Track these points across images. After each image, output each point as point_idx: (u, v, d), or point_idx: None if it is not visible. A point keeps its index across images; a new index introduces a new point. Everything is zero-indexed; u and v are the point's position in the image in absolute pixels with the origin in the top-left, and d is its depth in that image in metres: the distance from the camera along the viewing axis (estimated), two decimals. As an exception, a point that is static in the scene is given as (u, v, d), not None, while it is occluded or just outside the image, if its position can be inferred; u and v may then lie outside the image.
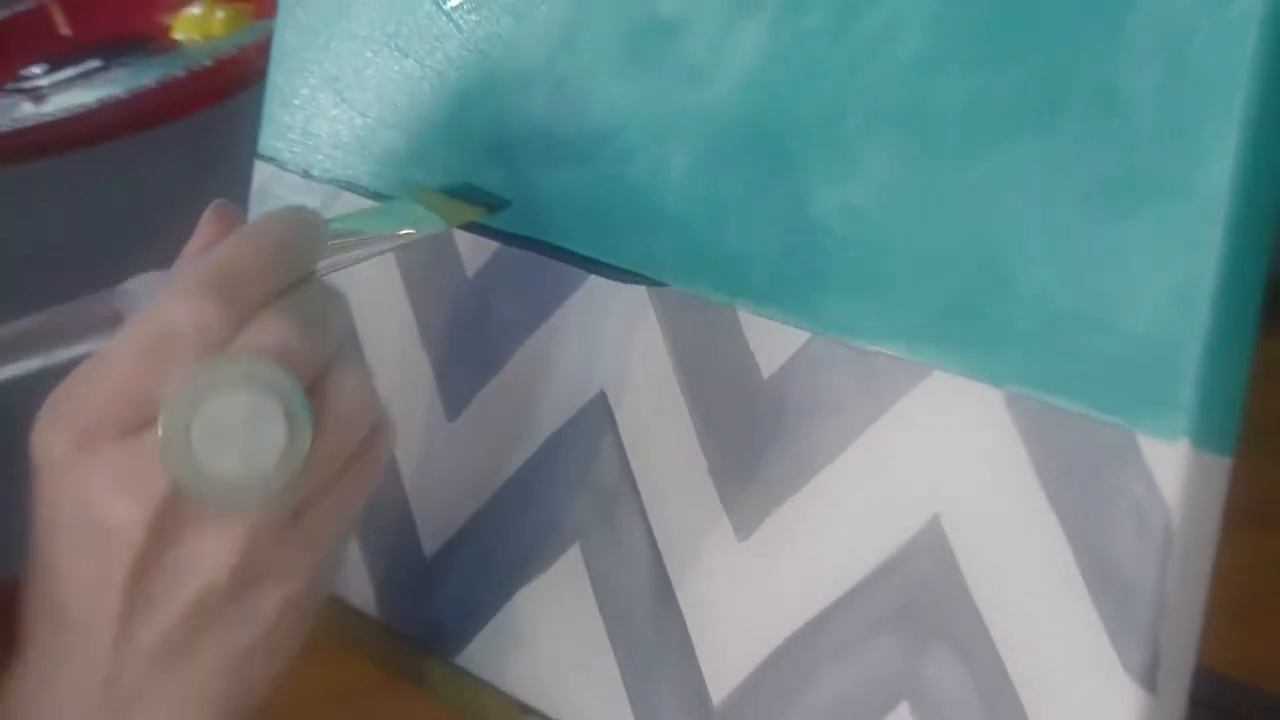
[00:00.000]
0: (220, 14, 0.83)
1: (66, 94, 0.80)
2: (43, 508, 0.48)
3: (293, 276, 0.48)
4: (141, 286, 0.49)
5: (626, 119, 0.57)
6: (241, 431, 0.45)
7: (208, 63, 0.73)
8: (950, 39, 0.49)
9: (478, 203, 0.58)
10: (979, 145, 0.48)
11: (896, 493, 0.50)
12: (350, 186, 0.65)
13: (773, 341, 0.53)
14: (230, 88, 0.78)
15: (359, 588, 0.63)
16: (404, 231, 0.55)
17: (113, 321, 0.48)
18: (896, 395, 0.50)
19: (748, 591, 0.53)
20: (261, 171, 0.69)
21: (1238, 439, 0.45)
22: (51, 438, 0.47)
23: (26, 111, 0.79)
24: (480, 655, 0.60)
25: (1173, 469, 0.44)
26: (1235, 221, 0.44)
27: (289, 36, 0.68)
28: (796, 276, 0.52)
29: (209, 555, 0.47)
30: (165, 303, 0.46)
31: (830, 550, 0.51)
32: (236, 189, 0.70)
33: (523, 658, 0.58)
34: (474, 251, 0.61)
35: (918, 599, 0.49)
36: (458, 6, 0.62)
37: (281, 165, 0.68)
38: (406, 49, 0.64)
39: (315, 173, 0.67)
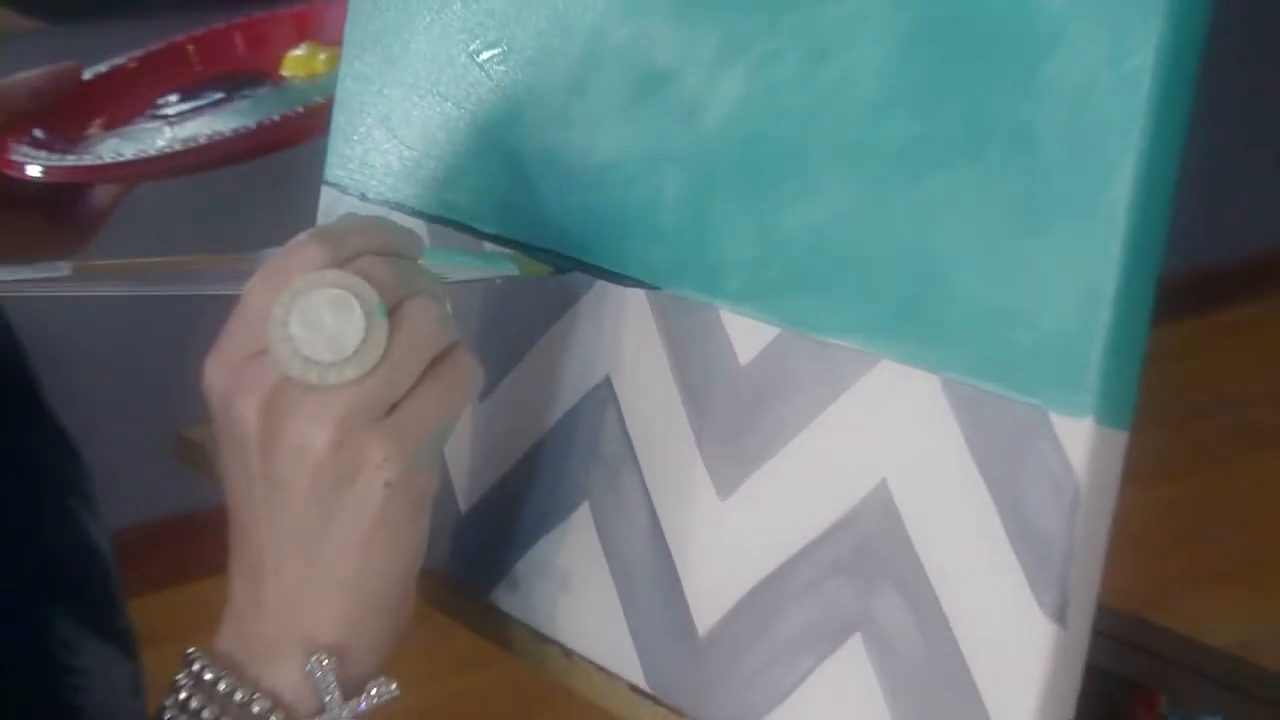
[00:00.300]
0: (323, 55, 0.83)
1: (196, 122, 0.80)
2: (216, 434, 0.50)
3: (390, 246, 0.50)
4: (273, 252, 0.51)
5: (629, 151, 0.57)
6: (329, 323, 0.47)
7: (319, 100, 0.73)
8: (896, 86, 0.49)
9: (549, 263, 0.58)
10: (920, 173, 0.48)
11: (851, 460, 0.49)
12: (399, 207, 0.65)
13: (748, 335, 0.53)
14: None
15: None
16: (489, 272, 0.58)
17: (252, 273, 0.50)
18: (851, 380, 0.50)
19: (728, 542, 0.53)
20: (326, 195, 0.69)
21: (1133, 413, 0.45)
22: (211, 371, 0.49)
23: (168, 136, 0.79)
24: (506, 594, 0.60)
25: (1080, 441, 0.44)
26: (1132, 235, 0.44)
27: (350, 84, 0.68)
28: (769, 281, 0.52)
29: (311, 433, 0.47)
30: (282, 251, 0.49)
31: (796, 507, 0.51)
32: (306, 209, 0.70)
33: (541, 596, 0.58)
34: (502, 261, 0.61)
35: (868, 548, 0.49)
36: (489, 59, 0.62)
37: (343, 189, 0.68)
38: (446, 94, 0.64)
39: (370, 196, 0.67)
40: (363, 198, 0.67)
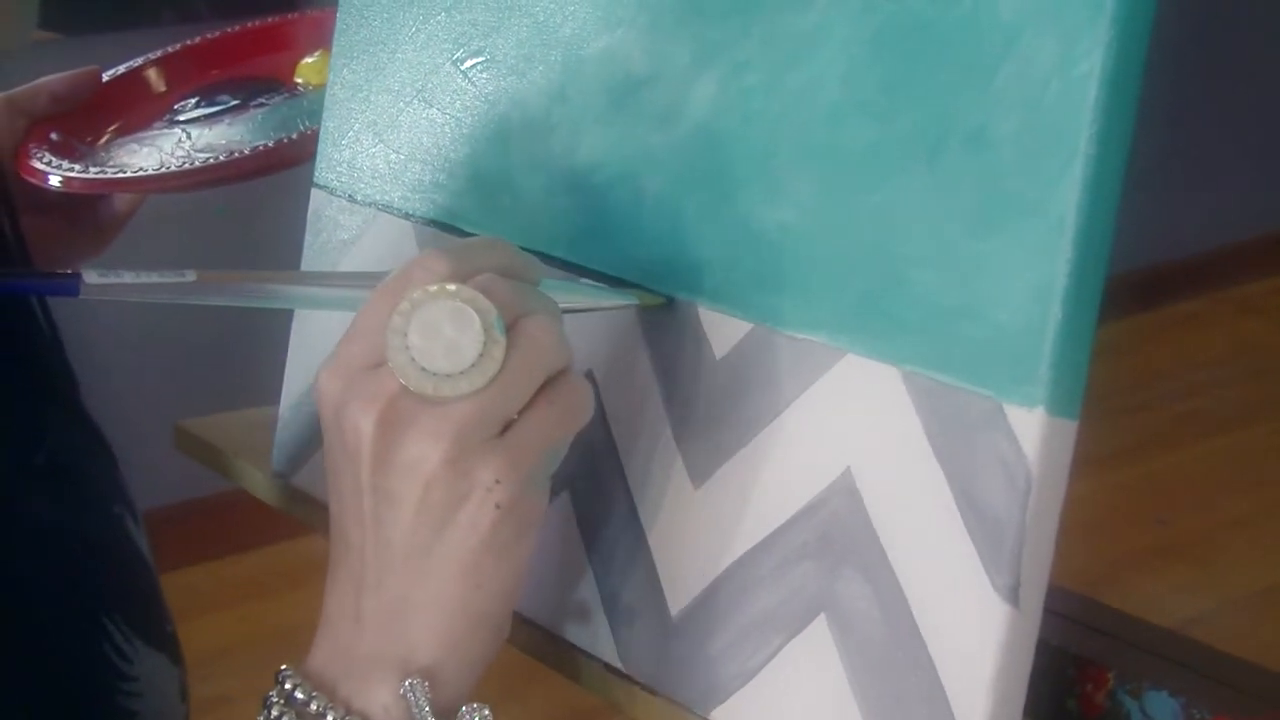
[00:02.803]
0: None
1: (213, 130, 0.78)
2: (325, 444, 0.48)
3: (511, 268, 0.48)
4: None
5: (608, 155, 0.57)
6: (448, 334, 0.45)
7: None
8: (858, 93, 0.49)
9: (658, 295, 0.55)
10: (881, 176, 0.48)
11: (817, 449, 0.49)
12: (386, 209, 0.65)
13: (722, 330, 0.53)
14: None
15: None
16: (606, 301, 0.55)
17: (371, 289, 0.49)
18: (818, 373, 0.50)
19: (700, 527, 0.52)
20: (316, 197, 0.69)
21: (1083, 403, 0.45)
22: (325, 380, 0.47)
23: (186, 146, 0.77)
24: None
25: (1032, 431, 0.44)
26: (1081, 235, 0.44)
27: (339, 91, 0.68)
28: (741, 279, 0.52)
29: (426, 447, 0.45)
30: (405, 264, 0.48)
31: (765, 494, 0.51)
32: (298, 210, 0.69)
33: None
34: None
35: (833, 532, 0.49)
36: (472, 67, 0.62)
37: (331, 192, 0.68)
38: (431, 100, 0.63)
39: (359, 198, 0.66)
40: (351, 200, 0.66)
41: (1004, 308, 0.45)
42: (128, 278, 0.49)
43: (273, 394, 0.69)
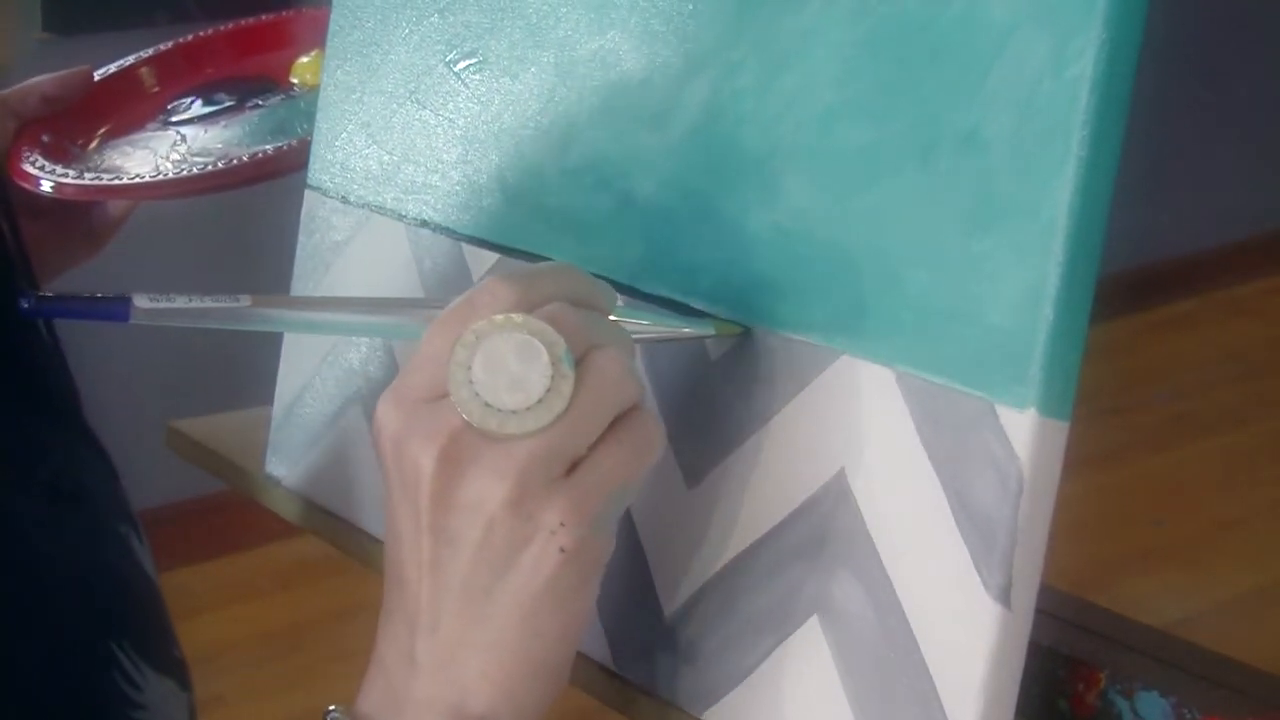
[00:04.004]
0: None
1: (207, 132, 0.77)
2: (384, 478, 0.46)
3: (580, 296, 0.46)
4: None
5: (600, 156, 0.56)
6: (514, 368, 0.43)
7: None
8: (851, 95, 0.49)
9: (736, 325, 0.52)
10: (873, 177, 0.48)
11: (811, 450, 0.49)
12: (379, 210, 0.65)
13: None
14: None
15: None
16: (683, 331, 0.52)
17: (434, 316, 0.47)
18: (812, 374, 0.50)
19: (694, 528, 0.52)
20: (310, 198, 0.68)
21: (1075, 404, 0.45)
22: (384, 412, 0.45)
23: (181, 151, 0.76)
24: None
25: (1024, 432, 0.44)
26: (1072, 236, 0.44)
27: (332, 92, 0.68)
28: (736, 280, 0.52)
29: (489, 487, 0.43)
30: (470, 290, 0.45)
31: (759, 495, 0.51)
32: (292, 212, 0.69)
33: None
34: (479, 260, 0.61)
35: (826, 534, 0.49)
36: (464, 69, 0.62)
37: (325, 193, 0.68)
38: (424, 102, 0.63)
39: (351, 199, 0.66)
40: (344, 201, 0.66)
41: (996, 309, 0.45)
42: (179, 302, 0.47)
43: (266, 395, 0.69)
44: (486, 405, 0.43)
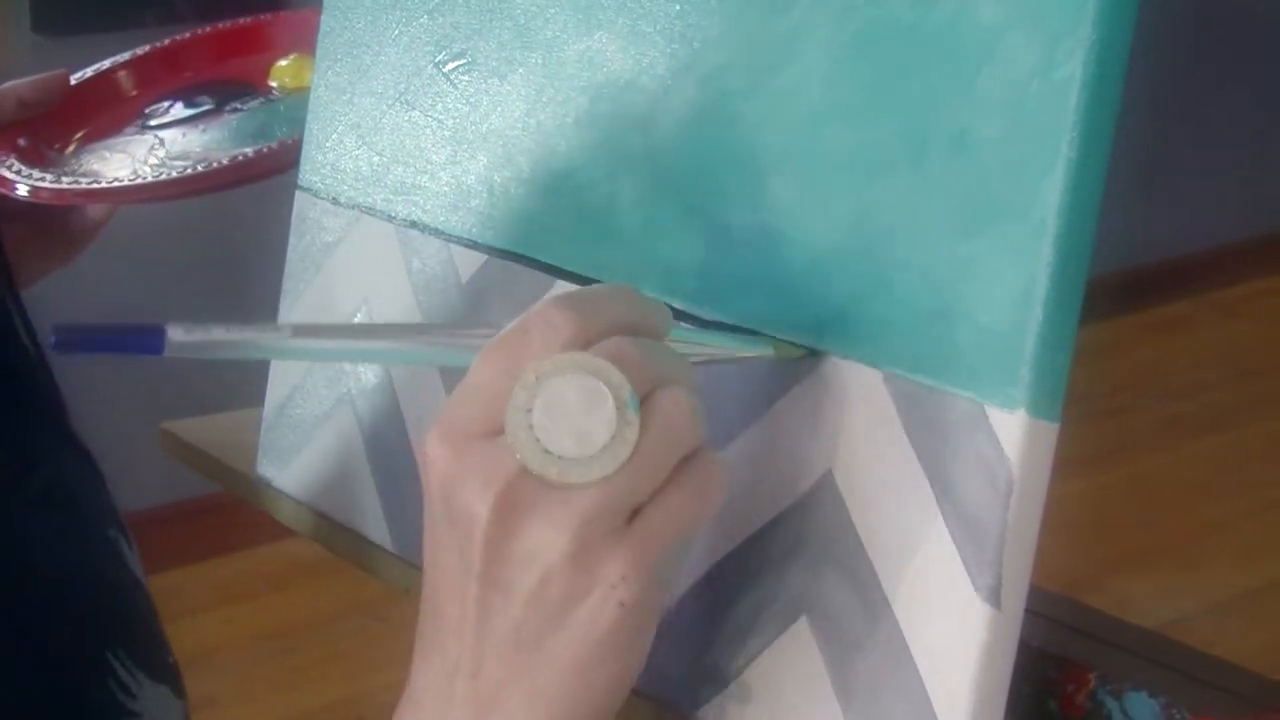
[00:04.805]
0: (310, 67, 0.80)
1: (186, 136, 0.77)
2: (428, 510, 0.44)
3: (639, 323, 0.44)
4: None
5: (586, 157, 0.56)
6: (576, 413, 0.41)
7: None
8: (840, 96, 0.49)
9: (798, 347, 0.50)
10: (863, 179, 0.48)
11: (799, 451, 0.49)
12: (369, 211, 0.65)
13: (703, 333, 0.53)
14: None
15: (379, 528, 0.63)
16: (741, 352, 0.50)
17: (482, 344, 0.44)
18: (800, 375, 0.50)
19: (682, 529, 0.52)
20: (300, 200, 0.68)
21: (1065, 406, 0.45)
22: (434, 447, 0.43)
23: (160, 155, 0.76)
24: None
25: (1014, 433, 0.44)
26: (1062, 238, 0.44)
27: (323, 93, 0.68)
28: (722, 281, 0.52)
29: (547, 538, 0.41)
30: (524, 315, 0.43)
31: (747, 496, 0.51)
32: (282, 213, 0.69)
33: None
34: (467, 261, 0.61)
35: (815, 534, 0.49)
36: (453, 70, 0.62)
37: (315, 194, 0.67)
38: (414, 103, 0.63)
39: (342, 200, 0.66)
40: (334, 202, 0.66)
41: (986, 310, 0.45)
42: (218, 333, 0.44)
43: (257, 396, 0.69)
44: (546, 452, 0.41)
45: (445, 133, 0.62)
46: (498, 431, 0.42)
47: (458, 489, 0.42)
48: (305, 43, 0.76)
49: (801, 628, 0.49)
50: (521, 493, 0.41)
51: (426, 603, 0.44)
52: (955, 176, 0.46)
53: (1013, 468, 0.44)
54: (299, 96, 0.75)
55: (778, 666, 0.49)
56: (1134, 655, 0.53)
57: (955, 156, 0.46)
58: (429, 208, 0.62)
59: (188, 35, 0.85)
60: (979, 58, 0.45)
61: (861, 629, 0.47)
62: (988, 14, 0.45)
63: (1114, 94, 0.44)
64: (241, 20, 0.85)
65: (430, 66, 0.63)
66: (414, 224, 0.63)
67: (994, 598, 0.44)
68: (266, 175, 0.71)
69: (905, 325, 0.47)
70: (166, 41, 0.85)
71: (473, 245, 0.60)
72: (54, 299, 0.72)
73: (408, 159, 0.63)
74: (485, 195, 0.60)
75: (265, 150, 0.71)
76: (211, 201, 0.73)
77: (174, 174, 0.72)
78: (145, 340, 0.43)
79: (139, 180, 0.72)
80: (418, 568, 0.61)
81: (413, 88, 0.63)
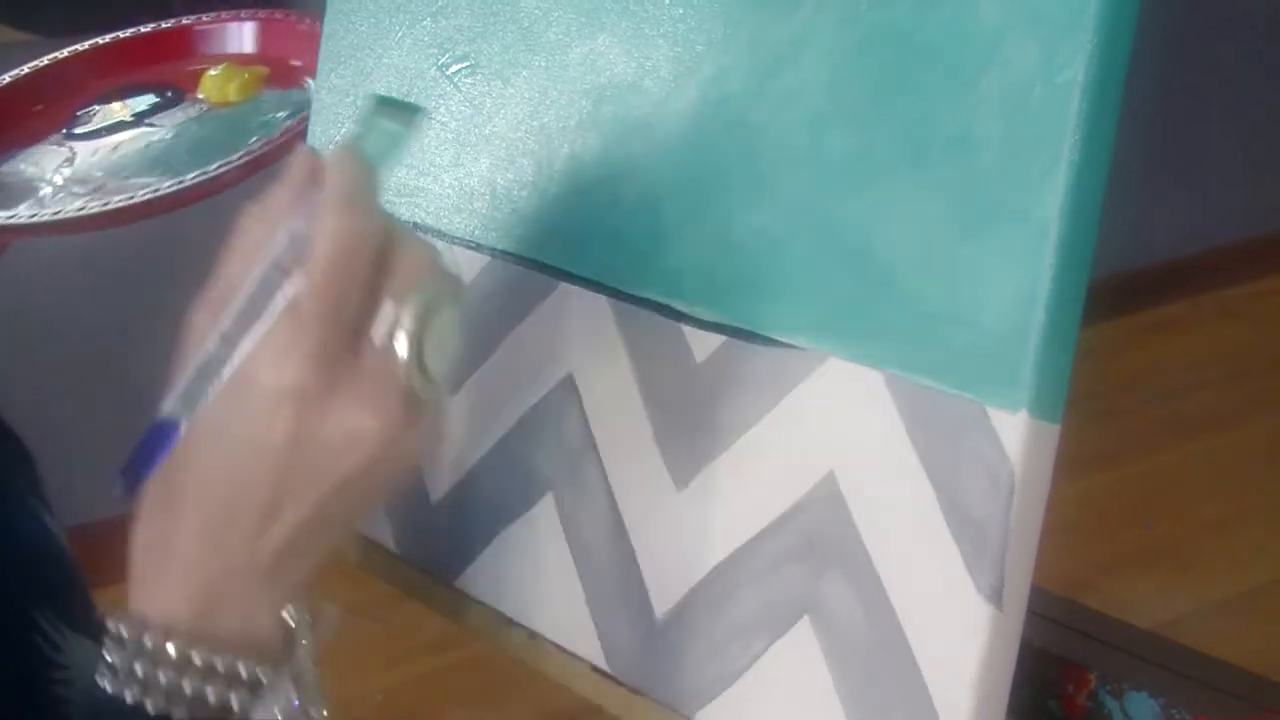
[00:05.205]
0: (236, 82, 0.78)
1: (99, 155, 0.76)
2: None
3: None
4: None
5: (589, 159, 0.57)
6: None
7: (257, 149, 0.71)
8: (842, 99, 0.49)
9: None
10: (864, 181, 0.48)
11: (800, 453, 0.49)
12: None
13: (704, 334, 0.53)
14: (268, 164, 0.73)
15: (380, 528, 0.63)
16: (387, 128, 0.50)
17: None
18: (800, 377, 0.50)
19: (684, 530, 0.52)
20: (302, 201, 0.68)
21: (1065, 407, 0.45)
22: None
23: (65, 174, 0.75)
24: (473, 579, 0.59)
25: (1015, 434, 0.44)
26: (1063, 241, 0.44)
27: (326, 96, 0.68)
28: (722, 283, 0.52)
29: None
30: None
31: (748, 497, 0.51)
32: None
33: (507, 581, 0.58)
34: (469, 262, 0.61)
35: (816, 535, 0.49)
36: (457, 72, 0.62)
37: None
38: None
39: (345, 202, 0.66)
40: (337, 204, 0.66)
41: (987, 312, 0.45)
42: (190, 374, 0.46)
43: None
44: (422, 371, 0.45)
45: (448, 135, 0.62)
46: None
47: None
48: (242, 49, 0.76)
49: (803, 628, 0.49)
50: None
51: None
52: (957, 179, 0.46)
53: (1014, 468, 0.44)
54: (216, 114, 0.76)
55: (779, 666, 0.49)
56: (1134, 656, 0.54)
57: (957, 159, 0.46)
58: (432, 209, 0.62)
59: (109, 39, 0.85)
60: (981, 62, 0.45)
61: (863, 629, 0.47)
62: (989, 18, 0.45)
63: (1115, 97, 0.44)
64: (164, 25, 0.85)
65: (434, 69, 0.63)
66: (417, 226, 0.63)
67: (995, 598, 0.44)
68: (150, 216, 0.71)
69: (906, 327, 0.47)
70: (84, 46, 0.85)
71: (475, 247, 0.60)
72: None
73: (411, 161, 0.63)
74: (488, 197, 0.60)
75: (151, 195, 0.71)
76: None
77: (46, 218, 0.72)
78: (165, 432, 0.46)
79: (14, 220, 0.73)
80: (420, 569, 0.62)
81: (416, 90, 0.63)
